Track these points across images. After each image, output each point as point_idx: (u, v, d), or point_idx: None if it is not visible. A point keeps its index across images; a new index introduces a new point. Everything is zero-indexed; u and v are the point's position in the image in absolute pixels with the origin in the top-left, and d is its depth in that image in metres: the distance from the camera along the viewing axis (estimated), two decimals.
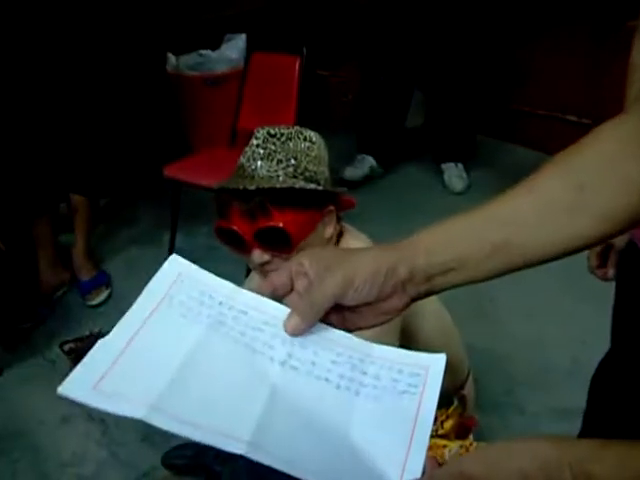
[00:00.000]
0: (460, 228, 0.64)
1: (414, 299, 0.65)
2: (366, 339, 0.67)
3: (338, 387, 0.63)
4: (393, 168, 3.72)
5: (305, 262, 0.65)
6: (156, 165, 2.81)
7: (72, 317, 2.63)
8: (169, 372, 0.59)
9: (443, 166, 3.60)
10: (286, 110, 2.70)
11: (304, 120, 2.19)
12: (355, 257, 0.64)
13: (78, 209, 2.75)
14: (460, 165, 3.59)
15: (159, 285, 0.67)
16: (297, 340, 0.65)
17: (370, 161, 3.60)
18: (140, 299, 0.65)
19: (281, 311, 0.66)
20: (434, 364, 0.64)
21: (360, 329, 0.67)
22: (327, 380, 0.63)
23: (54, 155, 2.62)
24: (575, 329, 2.40)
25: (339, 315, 0.66)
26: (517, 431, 1.95)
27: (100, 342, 0.60)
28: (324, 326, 0.66)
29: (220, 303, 0.67)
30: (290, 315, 0.65)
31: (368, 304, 0.64)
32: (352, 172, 3.51)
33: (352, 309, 0.65)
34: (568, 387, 2.13)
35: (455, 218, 0.65)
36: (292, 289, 0.66)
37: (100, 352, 0.59)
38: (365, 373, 0.64)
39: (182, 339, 0.63)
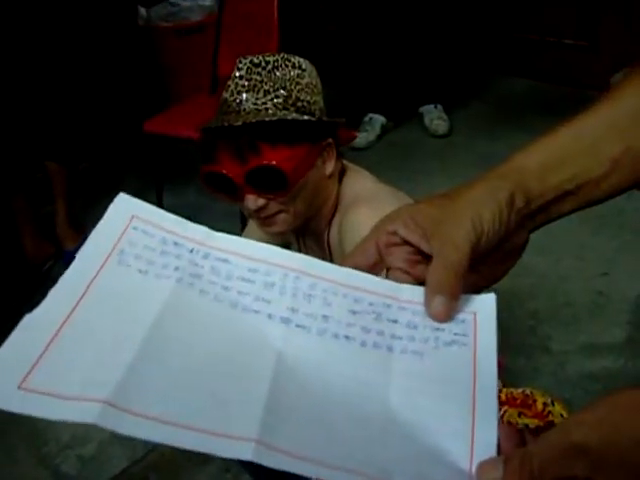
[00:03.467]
0: (570, 143, 0.54)
1: (530, 232, 0.54)
2: None
3: (364, 345, 0.47)
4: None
5: (399, 227, 0.51)
6: (136, 123, 2.69)
7: None
8: (128, 351, 0.42)
9: (421, 109, 3.41)
10: (268, 49, 2.55)
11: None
12: (469, 197, 0.51)
13: (55, 177, 2.63)
14: (439, 106, 3.39)
15: (104, 236, 0.50)
16: (299, 288, 0.49)
17: (380, 119, 3.39)
18: (78, 257, 0.48)
19: (272, 253, 0.51)
20: (483, 307, 0.49)
21: (495, 281, 0.55)
22: (347, 338, 0.47)
23: (24, 122, 2.50)
24: (594, 261, 2.29)
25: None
26: (545, 371, 1.85)
27: (25, 319, 0.43)
28: (327, 264, 0.51)
29: (191, 251, 0.50)
30: (430, 295, 0.49)
31: (491, 251, 0.52)
32: (364, 137, 3.27)
33: (479, 260, 0.51)
34: (593, 321, 2.04)
35: (558, 131, 0.55)
36: (383, 267, 0.53)
37: (26, 334, 0.42)
38: (396, 321, 0.49)
39: (143, 304, 0.46)
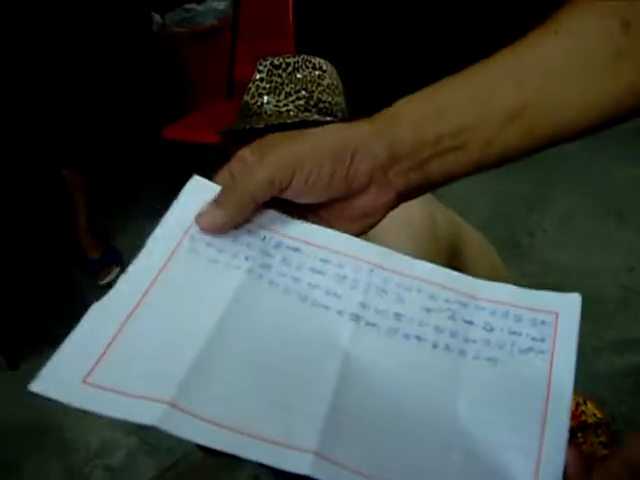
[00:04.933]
0: (459, 91, 0.48)
1: (404, 195, 0.48)
2: None
3: (435, 346, 0.45)
4: None
5: (246, 154, 0.48)
6: (154, 129, 2.67)
7: (86, 299, 2.50)
8: (193, 348, 0.40)
9: None
10: (284, 52, 2.54)
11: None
12: (311, 132, 0.47)
13: (73, 186, 2.62)
14: None
15: (175, 222, 0.47)
16: (372, 282, 0.47)
17: None
18: (149, 243, 0.46)
19: (347, 243, 0.48)
20: (566, 307, 0.46)
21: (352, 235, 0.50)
22: (419, 339, 0.45)
23: (41, 130, 2.49)
24: (620, 256, 2.26)
25: (301, 216, 0.49)
26: (576, 370, 1.82)
27: (92, 308, 0.41)
28: (404, 257, 0.48)
29: (263, 238, 0.48)
30: (208, 207, 0.46)
31: (336, 201, 0.47)
32: None
33: (317, 210, 0.48)
34: (622, 318, 2.01)
35: (447, 80, 0.49)
36: None
37: (93, 324, 0.40)
38: (471, 323, 0.46)
39: (211, 296, 0.44)
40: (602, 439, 1.34)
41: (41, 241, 2.59)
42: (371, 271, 0.48)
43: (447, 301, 0.47)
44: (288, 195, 0.46)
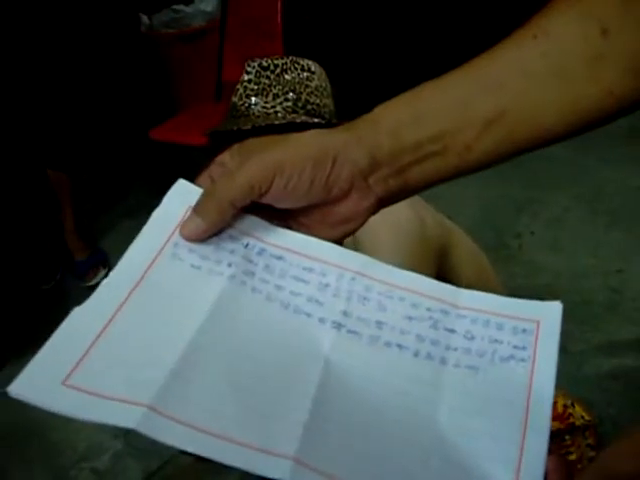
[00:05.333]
0: (438, 97, 0.48)
1: (384, 201, 0.48)
2: None
3: (416, 355, 0.45)
4: None
5: (226, 158, 0.48)
6: (142, 131, 2.67)
7: (72, 301, 2.48)
8: (174, 353, 0.40)
9: None
10: (272, 53, 2.54)
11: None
12: (291, 137, 0.47)
13: (59, 187, 2.60)
14: None
15: (159, 227, 0.47)
16: (354, 290, 0.47)
17: None
18: (132, 248, 0.46)
19: (330, 251, 0.48)
20: (547, 315, 0.46)
21: (332, 241, 0.50)
22: (400, 347, 0.45)
23: (27, 130, 2.48)
24: (608, 258, 2.26)
25: (281, 224, 0.49)
26: (563, 372, 1.80)
27: (72, 313, 0.41)
28: (386, 265, 0.48)
29: (246, 245, 0.48)
30: (189, 215, 0.47)
31: (316, 207, 0.47)
32: None
33: (297, 216, 0.48)
34: (610, 320, 2.01)
35: (426, 85, 0.49)
36: None
37: (73, 327, 0.40)
38: (452, 331, 0.46)
39: (193, 302, 0.44)
40: (590, 441, 1.34)
41: (27, 242, 2.57)
42: (353, 279, 0.48)
43: (429, 310, 0.47)
44: (268, 200, 0.46)
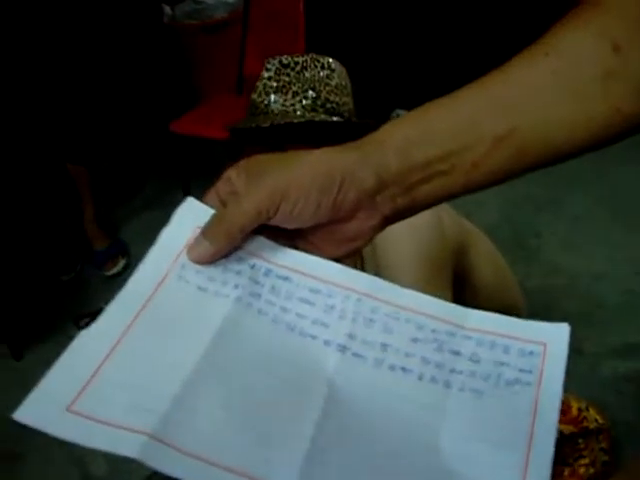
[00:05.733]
0: (446, 115, 0.48)
1: (390, 218, 0.48)
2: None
3: (420, 378, 0.44)
4: None
5: (232, 175, 0.48)
6: (162, 122, 2.68)
7: (91, 291, 2.50)
8: (178, 379, 0.40)
9: None
10: (294, 47, 2.54)
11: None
12: (297, 159, 0.47)
13: (78, 177, 2.61)
14: None
15: (167, 247, 0.47)
16: (360, 312, 0.46)
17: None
18: (140, 269, 0.46)
19: (337, 272, 0.48)
20: (554, 337, 0.45)
21: (337, 259, 0.50)
22: (405, 370, 0.44)
23: (47, 125, 2.49)
24: (627, 260, 2.25)
25: (290, 244, 0.49)
26: (578, 374, 1.81)
27: (80, 335, 0.42)
28: (393, 286, 0.48)
29: (253, 267, 0.48)
30: (197, 238, 0.47)
31: (323, 226, 0.47)
32: None
33: (304, 234, 0.48)
34: (626, 322, 2.00)
35: (434, 104, 0.49)
36: None
37: (79, 351, 0.40)
38: (458, 353, 0.45)
39: (198, 326, 0.44)
40: (603, 445, 1.34)
41: (47, 233, 2.58)
42: (359, 300, 0.47)
43: (434, 331, 0.46)
44: (275, 223, 0.47)
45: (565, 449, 1.28)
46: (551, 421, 0.41)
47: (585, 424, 1.31)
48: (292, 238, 0.49)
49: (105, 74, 2.60)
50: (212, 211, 0.49)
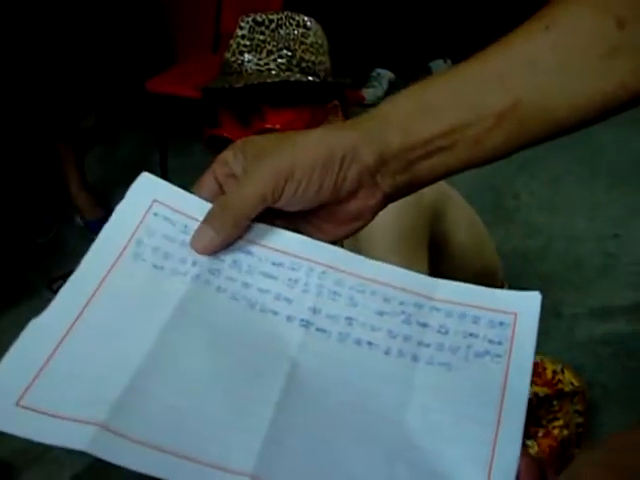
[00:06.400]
0: (447, 91, 0.47)
1: (390, 196, 0.48)
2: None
3: (387, 352, 0.43)
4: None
5: (229, 157, 0.47)
6: (139, 81, 2.62)
7: (67, 254, 2.46)
8: (131, 366, 0.38)
9: (430, 64, 3.29)
10: (272, 5, 2.48)
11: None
12: (297, 139, 0.46)
13: (58, 147, 2.52)
14: (449, 61, 3.29)
15: (122, 224, 0.45)
16: (324, 285, 0.45)
17: (388, 75, 3.28)
18: (92, 250, 0.44)
19: (303, 244, 0.46)
20: (525, 307, 0.44)
21: (337, 238, 0.50)
22: (370, 344, 0.43)
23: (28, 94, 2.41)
24: (606, 221, 2.25)
25: (290, 226, 0.48)
26: (555, 336, 1.82)
27: (30, 325, 0.39)
28: (358, 257, 0.46)
29: None
30: (199, 227, 0.46)
31: (324, 206, 0.47)
32: (371, 93, 3.17)
33: (305, 216, 0.47)
34: (604, 284, 2.01)
35: (434, 79, 0.49)
36: None
37: (30, 342, 0.38)
38: (426, 325, 0.44)
39: (153, 308, 0.42)
40: (578, 407, 1.35)
41: (22, 194, 2.55)
42: (324, 273, 0.46)
43: (402, 304, 0.45)
44: (278, 206, 0.45)
45: (539, 411, 1.29)
46: (521, 394, 0.41)
47: (560, 386, 1.32)
48: (292, 221, 0.48)
49: (81, 33, 2.53)
50: (169, 185, 0.48)
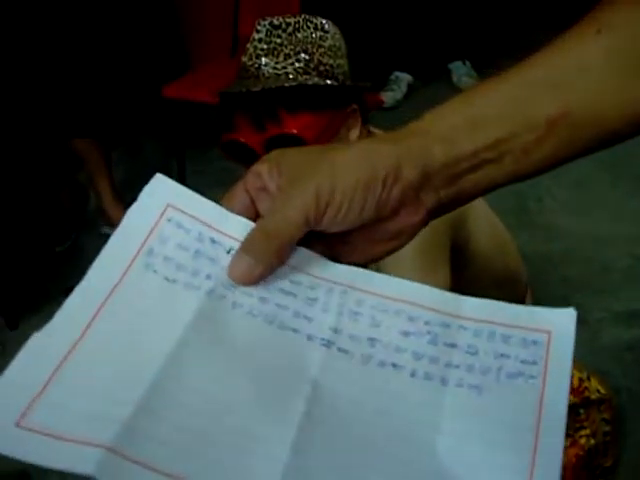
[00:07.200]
0: (494, 100, 0.45)
1: (434, 212, 0.46)
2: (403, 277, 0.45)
3: (413, 375, 0.40)
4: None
5: (263, 170, 0.45)
6: (156, 87, 2.61)
7: (86, 262, 2.45)
8: (142, 384, 0.36)
9: (450, 66, 3.29)
10: (289, 8, 2.48)
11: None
12: (336, 158, 0.44)
13: (87, 155, 2.49)
14: (468, 63, 3.28)
15: (133, 229, 0.43)
16: (345, 304, 0.43)
17: (407, 77, 3.28)
18: (100, 258, 0.41)
19: (321, 266, 0.44)
20: (560, 324, 0.41)
21: (375, 259, 0.47)
22: (395, 366, 0.40)
23: (49, 100, 2.41)
24: (631, 224, 2.22)
25: (325, 246, 0.46)
26: (579, 342, 1.78)
27: (33, 338, 0.37)
28: (377, 275, 0.44)
29: (229, 251, 0.43)
30: (237, 254, 0.43)
31: (362, 227, 0.45)
32: (390, 96, 3.17)
33: (344, 236, 0.45)
34: (630, 289, 1.98)
35: (480, 88, 0.46)
36: (257, 213, 0.46)
37: (33, 356, 0.36)
38: (453, 346, 0.41)
39: (165, 323, 0.39)
40: (605, 416, 1.33)
41: (40, 204, 2.54)
42: (344, 292, 0.44)
43: (427, 323, 0.42)
44: (317, 229, 0.43)
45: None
46: (559, 418, 0.38)
47: (586, 394, 1.29)
48: (328, 241, 0.46)
49: (98, 39, 2.54)
50: (184, 189, 0.45)
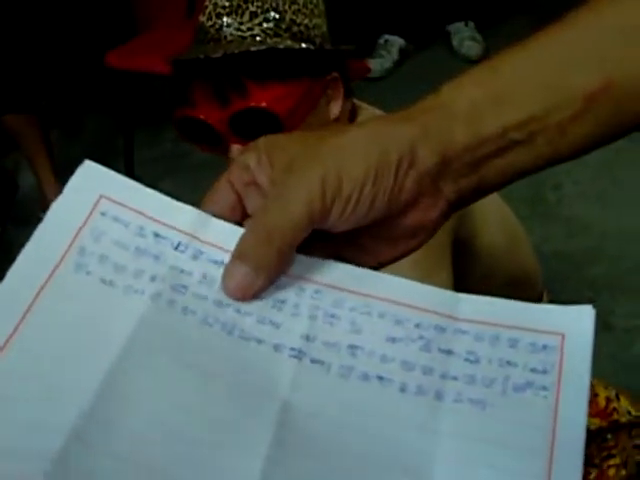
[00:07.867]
0: (524, 70, 0.45)
1: (455, 204, 0.46)
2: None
3: (403, 389, 0.40)
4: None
5: (251, 161, 0.44)
6: (98, 56, 2.61)
7: (13, 255, 2.48)
8: (75, 410, 0.35)
9: (449, 28, 3.33)
10: None
11: None
12: (340, 142, 0.44)
13: (22, 132, 2.52)
14: (471, 24, 3.32)
15: (60, 225, 0.43)
16: (319, 306, 0.43)
17: (398, 42, 3.30)
18: (21, 257, 0.41)
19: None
20: (575, 325, 0.41)
21: (392, 261, 0.47)
22: (381, 380, 0.41)
23: None
24: None
25: (327, 249, 0.46)
26: (606, 353, 1.82)
27: None
28: (358, 270, 0.44)
29: (176, 247, 0.43)
30: (231, 264, 0.42)
31: (375, 224, 0.44)
32: (378, 64, 3.18)
33: (350, 237, 0.45)
34: None
35: (505, 57, 0.46)
36: (245, 212, 0.46)
37: None
38: (450, 353, 0.41)
39: (102, 335, 0.39)
40: (637, 442, 1.34)
41: None
42: (317, 292, 0.44)
43: (418, 326, 0.42)
44: (326, 227, 0.43)
45: (591, 447, 1.27)
46: (577, 439, 0.38)
47: (615, 417, 1.30)
48: (331, 245, 0.46)
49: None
50: (119, 177, 0.45)
